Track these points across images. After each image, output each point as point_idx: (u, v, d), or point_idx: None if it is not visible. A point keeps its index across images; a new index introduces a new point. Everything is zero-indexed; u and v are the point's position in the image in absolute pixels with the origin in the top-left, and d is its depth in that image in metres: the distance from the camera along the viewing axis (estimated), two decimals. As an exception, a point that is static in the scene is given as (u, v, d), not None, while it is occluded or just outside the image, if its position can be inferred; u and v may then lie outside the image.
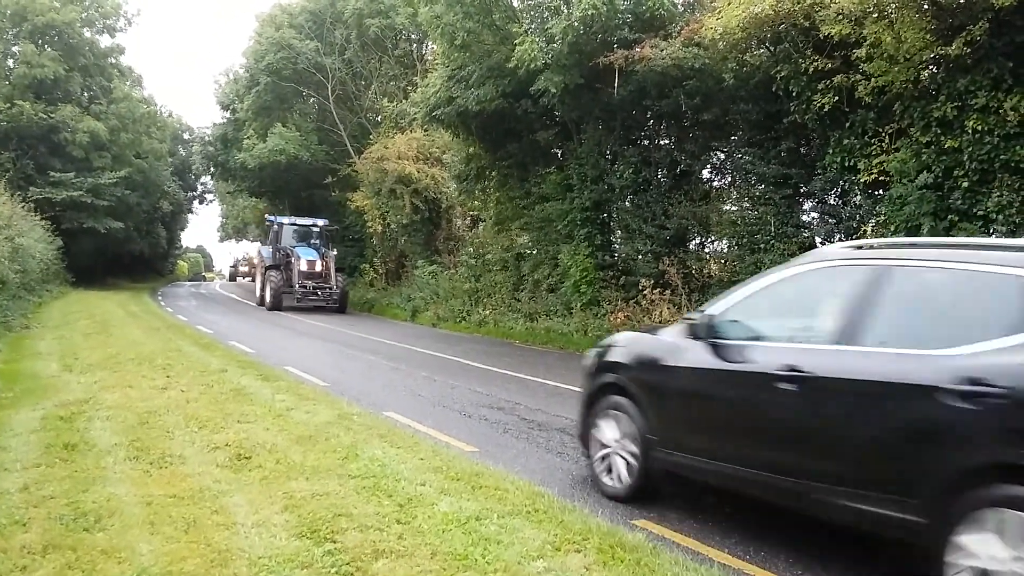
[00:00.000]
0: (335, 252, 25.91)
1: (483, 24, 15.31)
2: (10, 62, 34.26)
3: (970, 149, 8.98)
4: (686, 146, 14.23)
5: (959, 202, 9.12)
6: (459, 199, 22.34)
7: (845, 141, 10.60)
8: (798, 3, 9.68)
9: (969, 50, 8.73)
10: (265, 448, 5.84)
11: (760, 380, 4.08)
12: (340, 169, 28.87)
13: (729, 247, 13.69)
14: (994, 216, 8.84)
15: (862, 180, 10.38)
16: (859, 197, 11.15)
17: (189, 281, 59.62)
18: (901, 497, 3.44)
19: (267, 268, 25.34)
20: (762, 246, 11.97)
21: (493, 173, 19.69)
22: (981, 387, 3.20)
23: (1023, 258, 3.47)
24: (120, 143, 35.77)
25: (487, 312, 19.12)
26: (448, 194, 22.69)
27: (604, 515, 4.57)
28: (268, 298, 24.33)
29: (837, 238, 11.76)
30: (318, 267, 23.93)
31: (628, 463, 4.96)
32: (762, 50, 11.52)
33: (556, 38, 13.10)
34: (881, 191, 10.59)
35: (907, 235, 9.55)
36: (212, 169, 41.81)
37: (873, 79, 9.64)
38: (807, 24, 10.11)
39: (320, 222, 26.22)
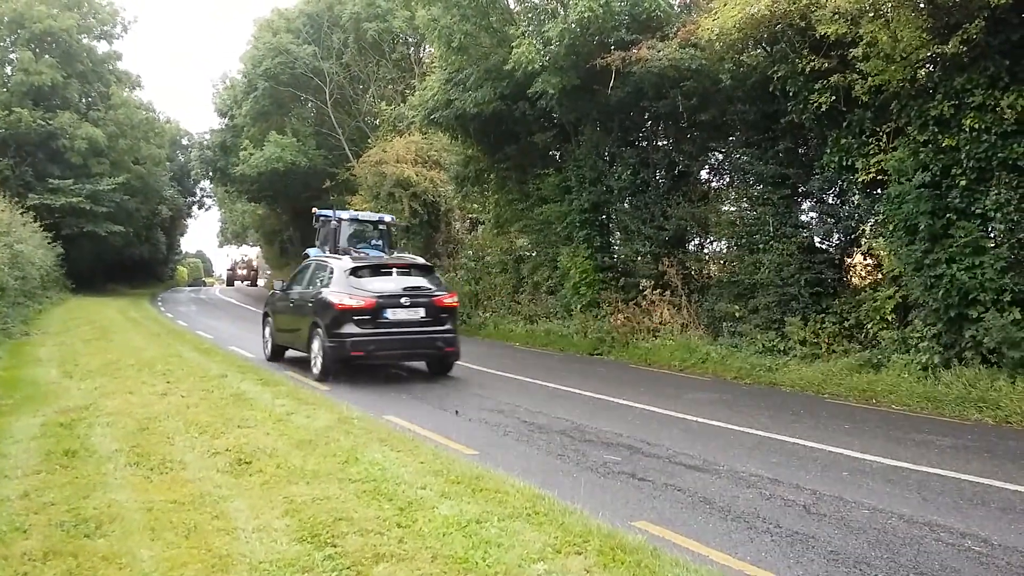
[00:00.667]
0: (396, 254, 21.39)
1: (480, 27, 15.33)
2: (8, 69, 34.32)
3: (968, 147, 8.97)
4: (684, 147, 14.22)
5: (957, 200, 9.11)
6: (458, 202, 22.29)
7: (843, 140, 10.60)
8: (794, 3, 9.68)
9: (965, 48, 8.72)
10: (265, 453, 5.85)
11: (290, 300, 12.04)
12: (339, 173, 28.83)
13: (728, 247, 13.68)
14: (992, 214, 8.83)
15: (860, 179, 10.37)
16: (857, 196, 11.14)
17: (189, 286, 59.68)
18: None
19: None
20: (761, 246, 11.97)
21: (492, 176, 19.66)
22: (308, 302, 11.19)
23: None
24: (118, 149, 35.82)
25: (487, 315, 19.13)
26: (447, 197, 22.61)
27: (604, 517, 4.58)
28: None
29: (836, 237, 11.80)
30: None
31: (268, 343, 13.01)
32: (759, 50, 11.50)
33: (553, 41, 13.11)
34: (879, 190, 10.58)
35: (906, 233, 9.58)
36: (211, 174, 41.86)
37: (870, 78, 9.63)
38: (803, 24, 10.11)
39: (387, 218, 20.87)
